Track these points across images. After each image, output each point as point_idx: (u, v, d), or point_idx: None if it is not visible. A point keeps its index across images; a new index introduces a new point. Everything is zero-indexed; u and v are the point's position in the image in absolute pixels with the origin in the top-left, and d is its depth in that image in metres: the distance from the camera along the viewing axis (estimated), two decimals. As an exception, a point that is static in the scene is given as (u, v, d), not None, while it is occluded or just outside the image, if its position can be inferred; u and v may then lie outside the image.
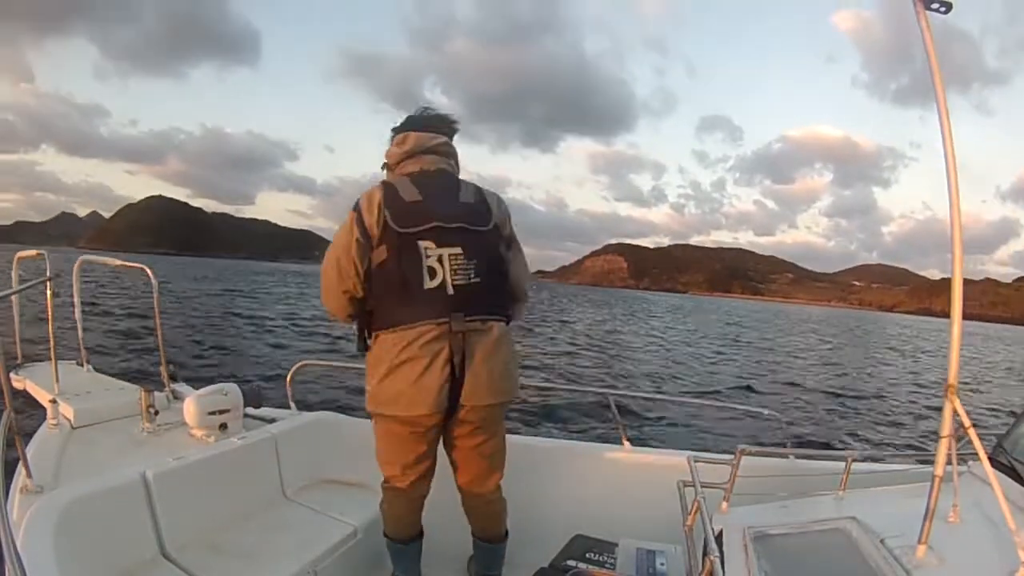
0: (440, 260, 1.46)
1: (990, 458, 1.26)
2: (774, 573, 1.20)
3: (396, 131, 1.65)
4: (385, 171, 1.67)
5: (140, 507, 1.58)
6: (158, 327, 2.57)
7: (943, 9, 1.10)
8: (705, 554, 1.14)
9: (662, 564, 1.75)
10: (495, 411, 1.61)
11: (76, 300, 2.80)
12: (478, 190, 1.61)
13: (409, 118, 1.67)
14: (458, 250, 1.48)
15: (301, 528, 1.87)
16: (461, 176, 1.67)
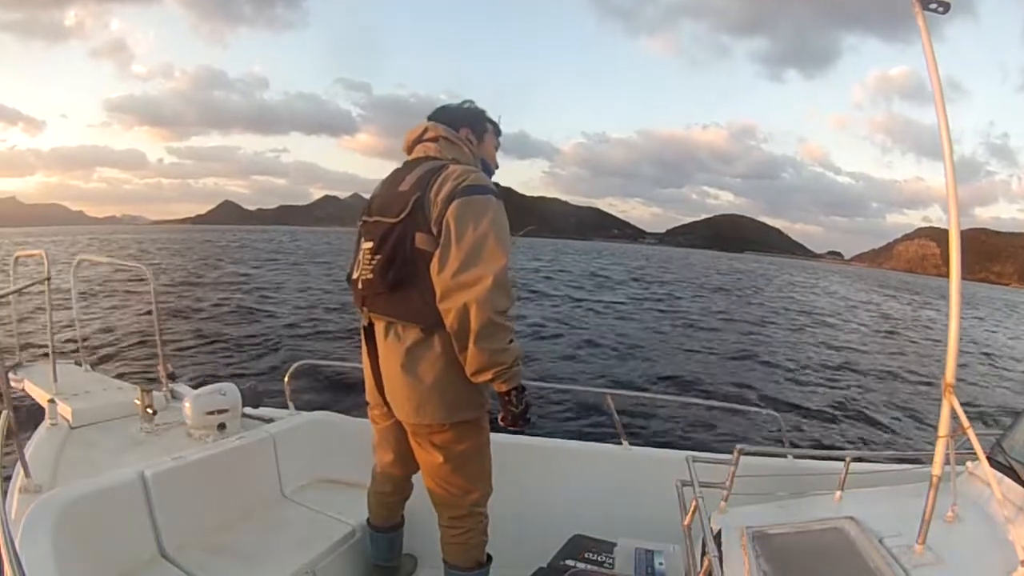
0: (363, 252, 1.49)
1: (988, 458, 1.26)
2: (773, 573, 1.20)
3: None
4: None
5: (138, 507, 1.58)
6: (156, 326, 2.57)
7: (941, 9, 1.10)
8: (704, 554, 1.14)
9: (660, 564, 1.75)
10: (417, 430, 1.50)
11: (74, 300, 2.80)
12: (430, 173, 1.40)
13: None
14: (371, 244, 1.45)
15: (300, 528, 1.86)
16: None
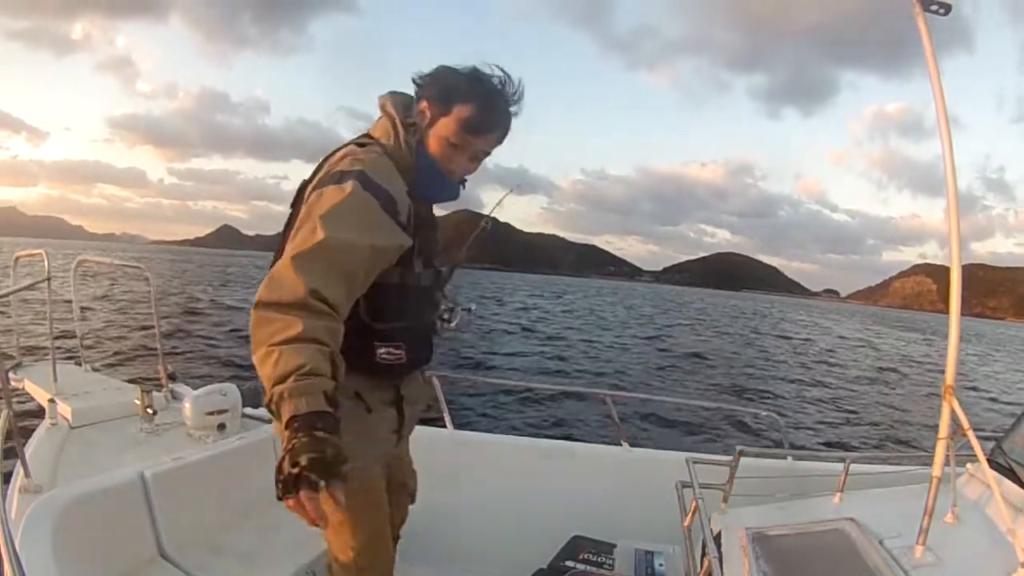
0: None
1: (988, 460, 1.26)
2: (773, 574, 1.20)
3: None
4: None
5: (138, 507, 1.58)
6: (156, 327, 2.57)
7: (942, 11, 1.10)
8: (704, 555, 1.14)
9: (660, 565, 1.75)
10: None
11: (74, 300, 2.80)
12: (324, 160, 1.13)
13: None
14: None
15: (299, 528, 1.85)
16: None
